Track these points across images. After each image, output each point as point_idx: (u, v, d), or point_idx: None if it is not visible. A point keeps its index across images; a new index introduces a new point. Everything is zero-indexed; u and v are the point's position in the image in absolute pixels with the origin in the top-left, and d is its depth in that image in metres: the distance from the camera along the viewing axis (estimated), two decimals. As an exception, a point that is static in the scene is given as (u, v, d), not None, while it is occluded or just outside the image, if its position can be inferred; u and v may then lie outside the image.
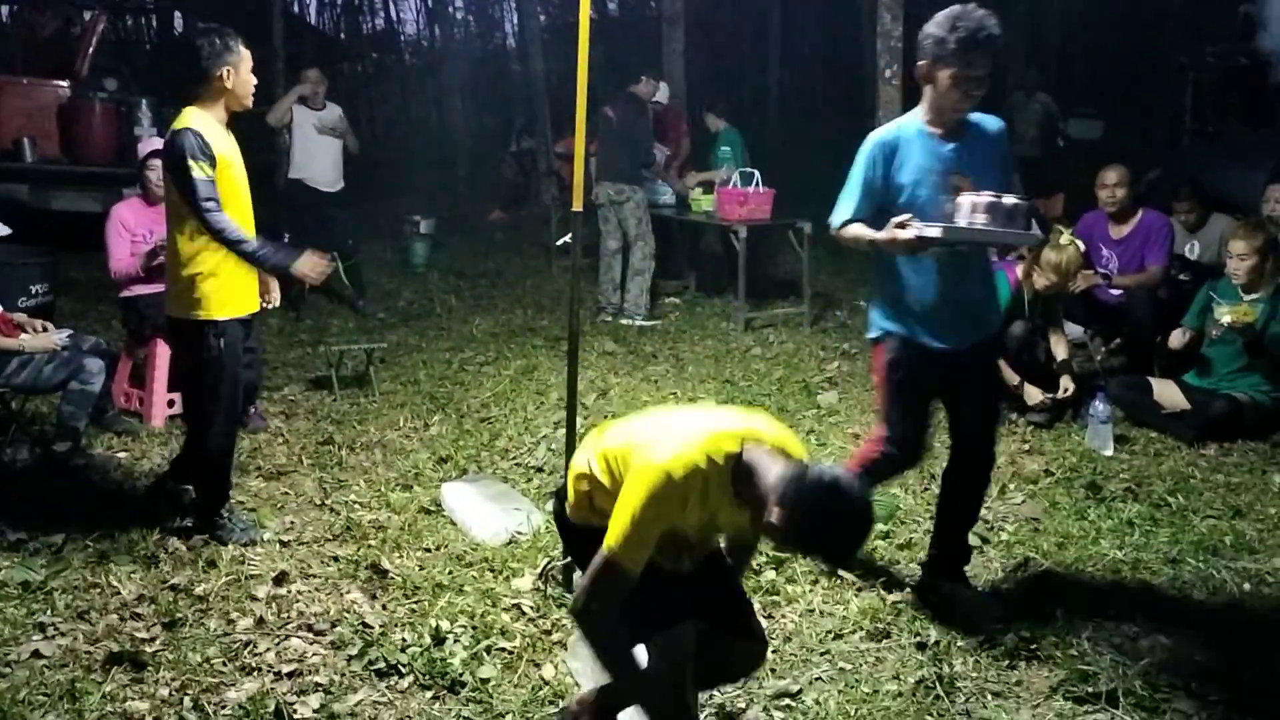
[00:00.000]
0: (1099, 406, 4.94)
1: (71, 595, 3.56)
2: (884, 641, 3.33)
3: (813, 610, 3.53)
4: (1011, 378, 5.31)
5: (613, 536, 2.33)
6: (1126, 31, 15.06)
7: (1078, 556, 3.80)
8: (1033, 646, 3.19)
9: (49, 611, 3.44)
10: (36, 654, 3.19)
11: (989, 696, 3.00)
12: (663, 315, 8.19)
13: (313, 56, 10.26)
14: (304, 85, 7.91)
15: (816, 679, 3.14)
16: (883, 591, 3.61)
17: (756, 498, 2.28)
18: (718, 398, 5.90)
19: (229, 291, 3.93)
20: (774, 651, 3.28)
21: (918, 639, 3.29)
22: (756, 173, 7.79)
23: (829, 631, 3.39)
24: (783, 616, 3.51)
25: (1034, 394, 5.31)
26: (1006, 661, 3.15)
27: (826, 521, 2.19)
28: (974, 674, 3.11)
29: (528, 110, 14.16)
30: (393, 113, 25.56)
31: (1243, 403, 5.08)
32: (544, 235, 10.52)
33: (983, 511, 4.21)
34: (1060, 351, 5.52)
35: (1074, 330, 6.36)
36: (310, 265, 4.01)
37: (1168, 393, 5.27)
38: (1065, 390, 5.34)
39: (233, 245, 3.79)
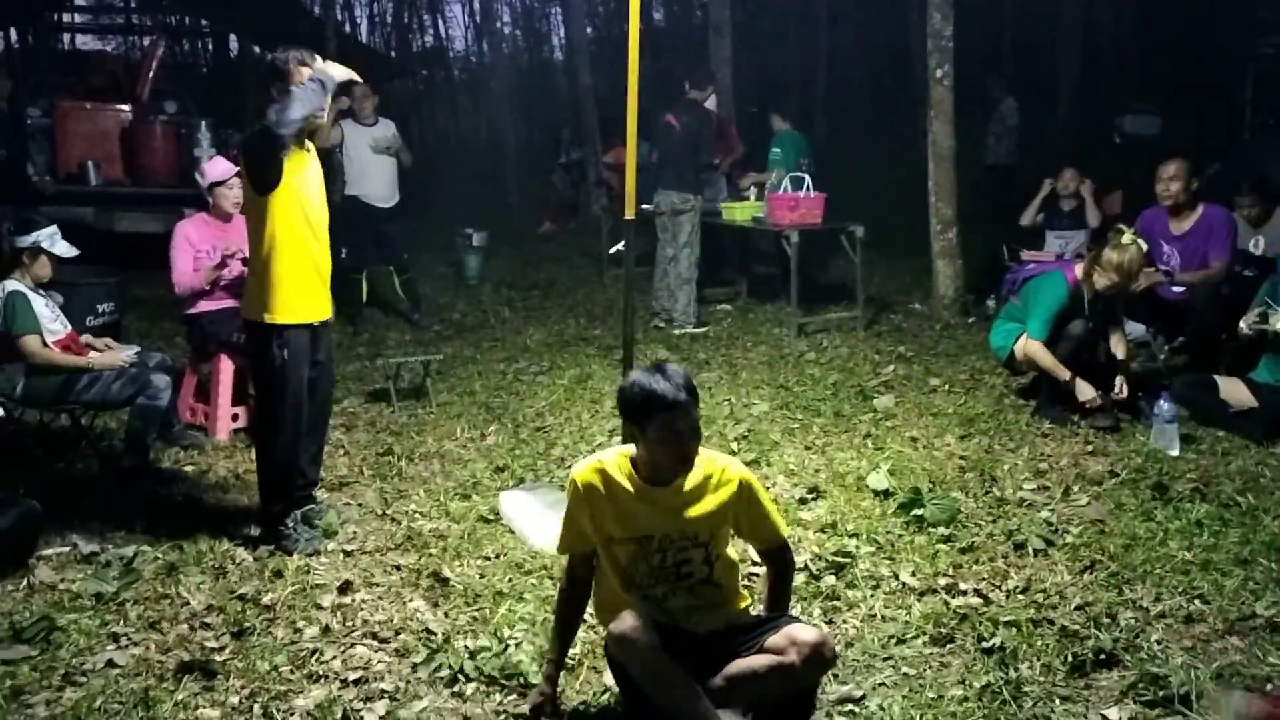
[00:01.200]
0: (1163, 406, 4.85)
1: (143, 606, 3.64)
2: (948, 646, 3.29)
3: (874, 615, 3.50)
4: (1062, 374, 5.23)
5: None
6: (1183, 25, 14.79)
7: (1145, 558, 3.73)
8: (1101, 652, 3.13)
9: (121, 622, 3.52)
10: (111, 663, 3.26)
11: (1057, 701, 2.95)
12: (714, 322, 8.19)
13: (362, 74, 10.39)
14: (340, 101, 8.01)
15: (880, 685, 3.11)
16: (946, 596, 3.57)
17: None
18: (771, 404, 5.88)
19: (298, 297, 4.04)
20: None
21: (983, 644, 3.25)
22: (807, 177, 7.76)
23: (891, 637, 3.36)
24: (844, 622, 3.48)
25: (1085, 390, 5.22)
26: (1075, 666, 3.10)
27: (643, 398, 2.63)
28: (1041, 679, 3.06)
29: (575, 121, 14.26)
30: (443, 128, 25.89)
31: (1313, 399, 4.96)
32: (594, 245, 10.59)
33: (1046, 514, 4.18)
34: (1120, 352, 5.43)
35: (1136, 329, 6.27)
36: (341, 69, 4.03)
37: (1234, 390, 5.15)
38: (1119, 391, 5.25)
39: (294, 112, 3.82)
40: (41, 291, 4.96)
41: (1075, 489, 4.45)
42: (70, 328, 5.09)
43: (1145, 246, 5.33)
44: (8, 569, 3.81)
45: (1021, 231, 7.95)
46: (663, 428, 2.63)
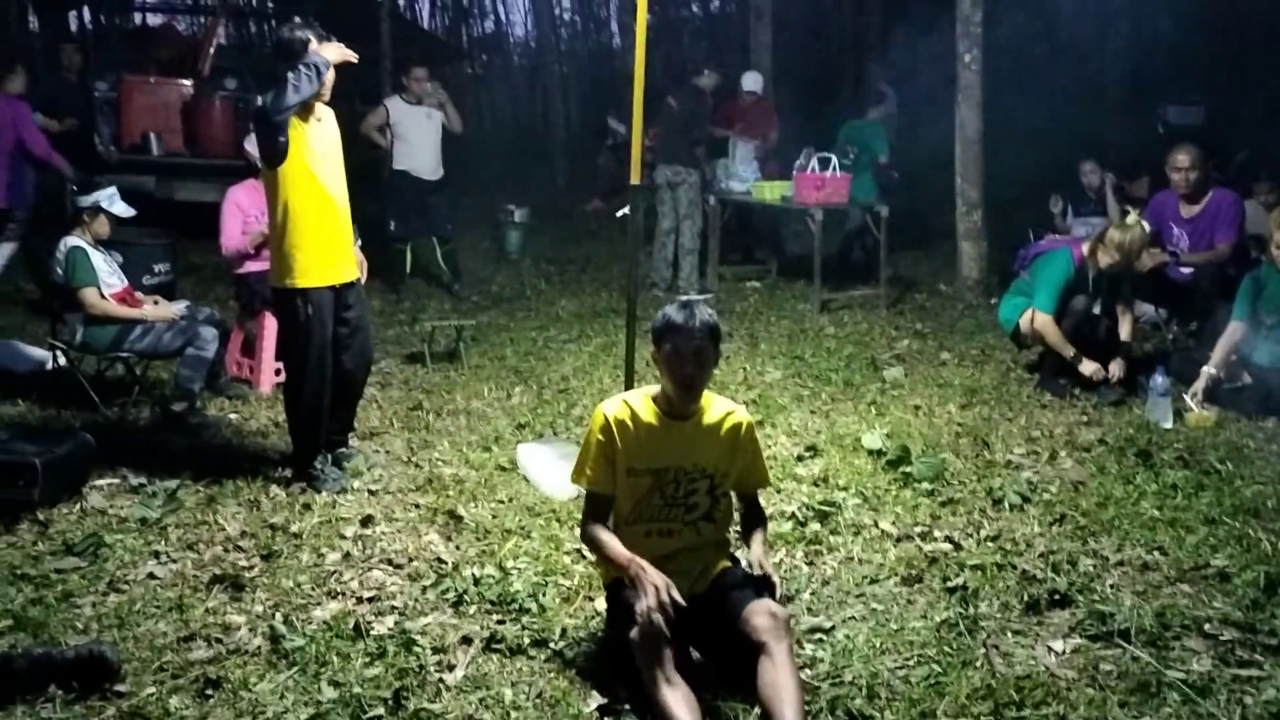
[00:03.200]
0: (1158, 380, 5.01)
1: (183, 530, 3.99)
2: (915, 586, 3.52)
3: (851, 559, 3.74)
4: (1066, 349, 5.40)
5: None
6: (1231, 15, 14.62)
7: (1115, 515, 3.92)
8: (1056, 593, 3.34)
9: (163, 542, 3.88)
10: (151, 575, 3.61)
11: (1009, 635, 3.17)
12: (741, 298, 8.43)
13: (419, 57, 10.75)
14: (375, 116, 8.37)
15: (850, 618, 3.35)
16: (920, 543, 3.80)
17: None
18: (785, 372, 6.11)
19: (315, 261, 4.34)
20: (811, 594, 3.51)
21: (948, 584, 3.48)
22: (834, 157, 7.95)
23: (865, 577, 3.60)
24: (823, 563, 3.73)
25: (1089, 366, 5.39)
26: (1030, 605, 3.31)
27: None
28: (998, 615, 3.29)
29: (621, 105, 14.48)
30: (500, 111, 26.24)
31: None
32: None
33: (1029, 475, 4.38)
34: (1124, 332, 5.58)
35: (1148, 310, 6.39)
36: (335, 50, 4.29)
37: (1230, 367, 5.29)
38: (1114, 374, 5.40)
39: (288, 97, 4.09)
40: (101, 248, 5.34)
41: (1063, 454, 4.65)
42: (127, 282, 5.47)
43: (1149, 228, 5.47)
44: (62, 494, 4.17)
45: (1050, 215, 8.09)
46: (672, 350, 2.90)
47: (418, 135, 8.38)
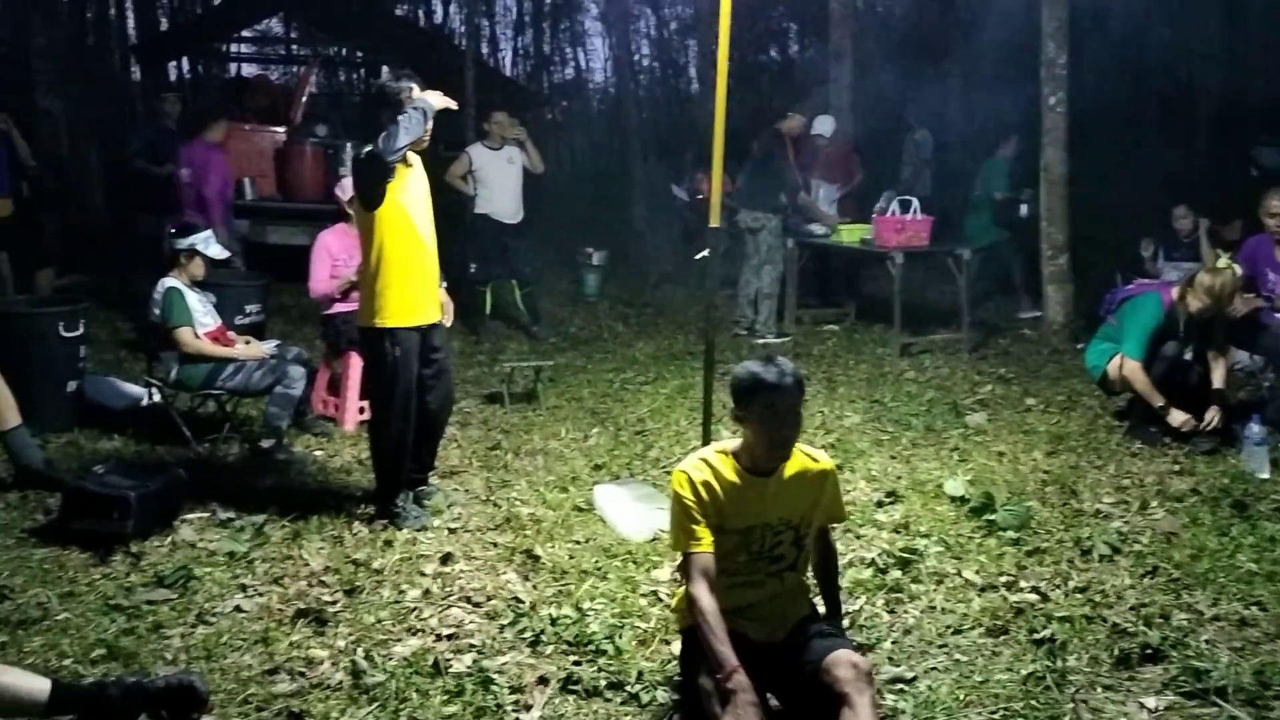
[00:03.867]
0: (1254, 428, 4.85)
1: (269, 564, 4.08)
2: (1001, 638, 3.44)
3: (934, 608, 3.67)
4: (1155, 399, 5.26)
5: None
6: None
7: (1210, 567, 3.79)
8: (1149, 647, 3.23)
9: (250, 576, 3.96)
10: (238, 608, 3.69)
11: (1099, 690, 3.07)
12: (819, 342, 8.40)
13: (500, 103, 11.00)
14: (459, 164, 8.55)
15: (932, 668, 3.29)
16: (1005, 593, 3.71)
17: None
18: (864, 416, 6.05)
19: (405, 302, 4.44)
20: (893, 643, 3.45)
21: (1034, 636, 3.39)
22: (915, 200, 7.90)
23: (948, 627, 3.52)
24: (904, 612, 3.66)
25: (1178, 416, 5.24)
26: (1121, 659, 3.21)
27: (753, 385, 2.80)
28: (1087, 669, 3.19)
29: (699, 150, 14.57)
30: (579, 156, 26.64)
31: None
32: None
33: (1119, 525, 4.26)
34: (1217, 379, 5.41)
35: (1242, 357, 6.20)
36: (439, 97, 4.39)
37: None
38: (1209, 422, 5.23)
39: (399, 139, 4.21)
40: (196, 289, 5.53)
41: (1154, 504, 4.51)
42: (220, 322, 5.65)
43: (1240, 272, 5.32)
44: (155, 527, 4.29)
45: (1139, 259, 7.93)
46: (766, 408, 2.77)
47: (499, 180, 8.54)
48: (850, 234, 8.39)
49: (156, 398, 5.68)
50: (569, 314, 9.82)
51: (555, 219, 12.83)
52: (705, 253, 4.39)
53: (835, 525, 3.13)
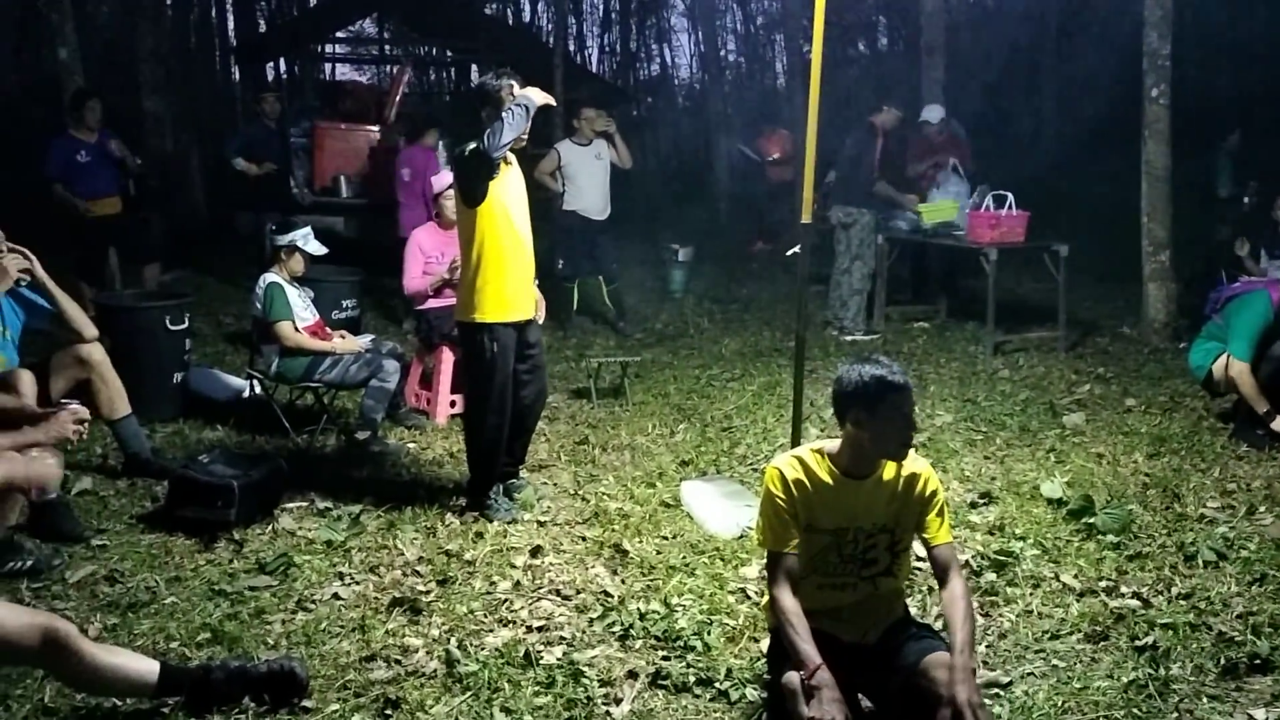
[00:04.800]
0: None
1: (365, 553, 4.17)
2: (1101, 644, 3.35)
3: (1030, 612, 3.59)
4: (1260, 404, 5.07)
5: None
6: None
7: (1324, 577, 3.64)
8: (1257, 657, 3.12)
9: (347, 564, 4.06)
10: (335, 596, 3.78)
11: (1204, 700, 2.98)
12: (909, 339, 8.27)
13: (588, 99, 11.07)
14: (548, 161, 8.60)
15: (1028, 674, 3.22)
16: (1105, 598, 3.62)
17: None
18: (956, 415, 5.95)
19: (503, 298, 4.49)
20: (988, 647, 3.39)
21: (1136, 643, 3.30)
22: (1010, 195, 7.73)
23: (1045, 632, 3.45)
24: (1000, 616, 3.59)
25: (1282, 422, 5.05)
26: (1228, 669, 3.10)
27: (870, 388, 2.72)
28: (1192, 678, 3.09)
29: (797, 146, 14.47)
30: (665, 152, 26.66)
31: None
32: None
33: (1225, 530, 4.12)
34: (1331, 380, 5.20)
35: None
36: (541, 94, 4.42)
37: None
38: None
39: (503, 135, 4.25)
40: (295, 284, 5.68)
41: (1262, 509, 4.35)
42: (319, 317, 5.79)
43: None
44: (256, 515, 4.43)
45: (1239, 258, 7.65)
46: (893, 409, 2.70)
47: (587, 176, 8.59)
48: (932, 214, 8.23)
49: (258, 390, 5.85)
50: (655, 310, 9.83)
51: (641, 215, 12.85)
52: (796, 249, 4.35)
53: (940, 545, 2.85)
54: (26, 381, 4.22)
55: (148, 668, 2.90)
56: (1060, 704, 3.01)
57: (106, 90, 10.06)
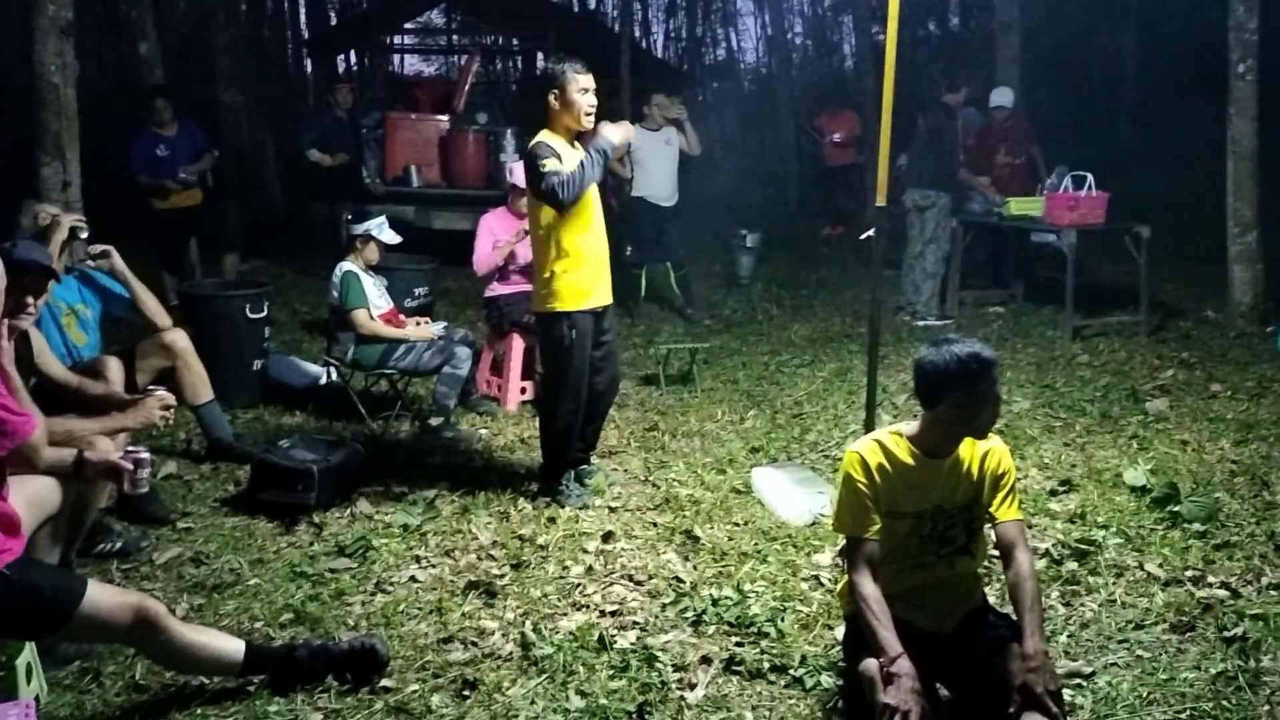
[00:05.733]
0: None
1: (440, 537, 4.22)
2: (1187, 634, 3.27)
3: (1114, 601, 3.52)
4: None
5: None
6: None
7: None
8: (1356, 652, 3.02)
9: (423, 548, 4.12)
10: (413, 578, 3.84)
11: (1299, 693, 2.89)
12: (984, 324, 8.13)
13: (655, 86, 11.06)
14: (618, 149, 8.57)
15: (1111, 664, 3.15)
16: (1191, 588, 3.53)
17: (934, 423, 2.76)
18: (1034, 402, 5.83)
19: (581, 287, 4.51)
20: (1069, 637, 3.33)
21: (1225, 634, 3.21)
22: (1090, 176, 7.54)
23: (1129, 622, 3.37)
24: (1081, 605, 3.52)
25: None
26: (1324, 663, 3.01)
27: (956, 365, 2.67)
28: (1285, 671, 3.00)
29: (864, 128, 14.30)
30: (731, 137, 26.52)
31: None
32: (868, 247, 10.65)
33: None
34: None
35: None
36: (620, 132, 4.46)
37: None
38: None
39: (579, 184, 4.29)
40: (370, 273, 5.76)
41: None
42: (393, 304, 5.87)
43: None
44: (335, 499, 4.51)
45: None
46: (990, 385, 2.69)
47: (655, 162, 8.58)
48: (1019, 207, 8.07)
49: (334, 376, 5.96)
50: (723, 296, 9.80)
51: (708, 201, 12.79)
52: (871, 232, 4.29)
53: (1006, 521, 2.84)
54: (114, 368, 4.35)
55: (234, 646, 2.98)
56: (1145, 695, 2.94)
57: (184, 84, 10.30)
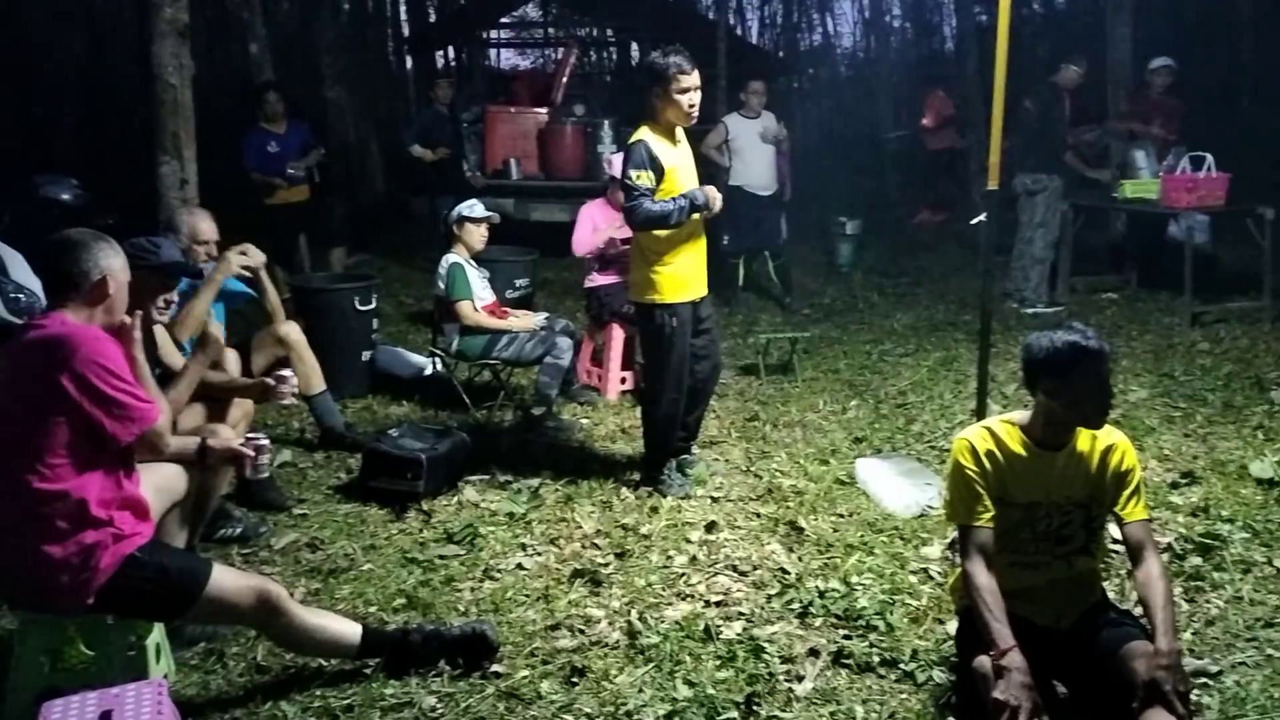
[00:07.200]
0: None
1: (545, 526, 4.27)
2: (1322, 634, 3.12)
3: (1240, 598, 3.39)
4: None
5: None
6: None
7: None
8: None
9: (528, 535, 4.17)
10: (519, 566, 3.89)
11: None
12: (1098, 310, 7.88)
13: (752, 73, 10.96)
14: (715, 134, 8.52)
15: (1240, 663, 3.04)
16: (1327, 586, 3.36)
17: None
18: (1152, 391, 5.63)
19: (678, 279, 4.51)
20: (1194, 634, 3.22)
21: (1365, 636, 3.06)
22: (1209, 156, 7.23)
23: (1258, 619, 3.25)
24: (1206, 602, 3.40)
25: None
26: None
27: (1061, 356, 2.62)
28: None
29: (963, 111, 13.98)
30: (829, 124, 26.18)
31: None
32: (973, 234, 10.41)
33: None
34: None
35: None
36: (718, 199, 4.48)
37: None
38: None
39: (655, 221, 4.34)
40: (475, 265, 5.84)
41: None
42: (495, 296, 5.95)
43: None
44: (443, 487, 4.59)
45: None
46: (1087, 375, 2.62)
47: (753, 151, 8.50)
48: (1136, 190, 7.77)
49: (439, 367, 6.06)
50: (822, 285, 9.68)
51: (807, 188, 12.65)
52: (982, 217, 4.19)
53: (1134, 522, 2.71)
54: (232, 361, 4.49)
55: (351, 630, 3.06)
56: (1277, 696, 2.82)
57: (290, 83, 10.57)
